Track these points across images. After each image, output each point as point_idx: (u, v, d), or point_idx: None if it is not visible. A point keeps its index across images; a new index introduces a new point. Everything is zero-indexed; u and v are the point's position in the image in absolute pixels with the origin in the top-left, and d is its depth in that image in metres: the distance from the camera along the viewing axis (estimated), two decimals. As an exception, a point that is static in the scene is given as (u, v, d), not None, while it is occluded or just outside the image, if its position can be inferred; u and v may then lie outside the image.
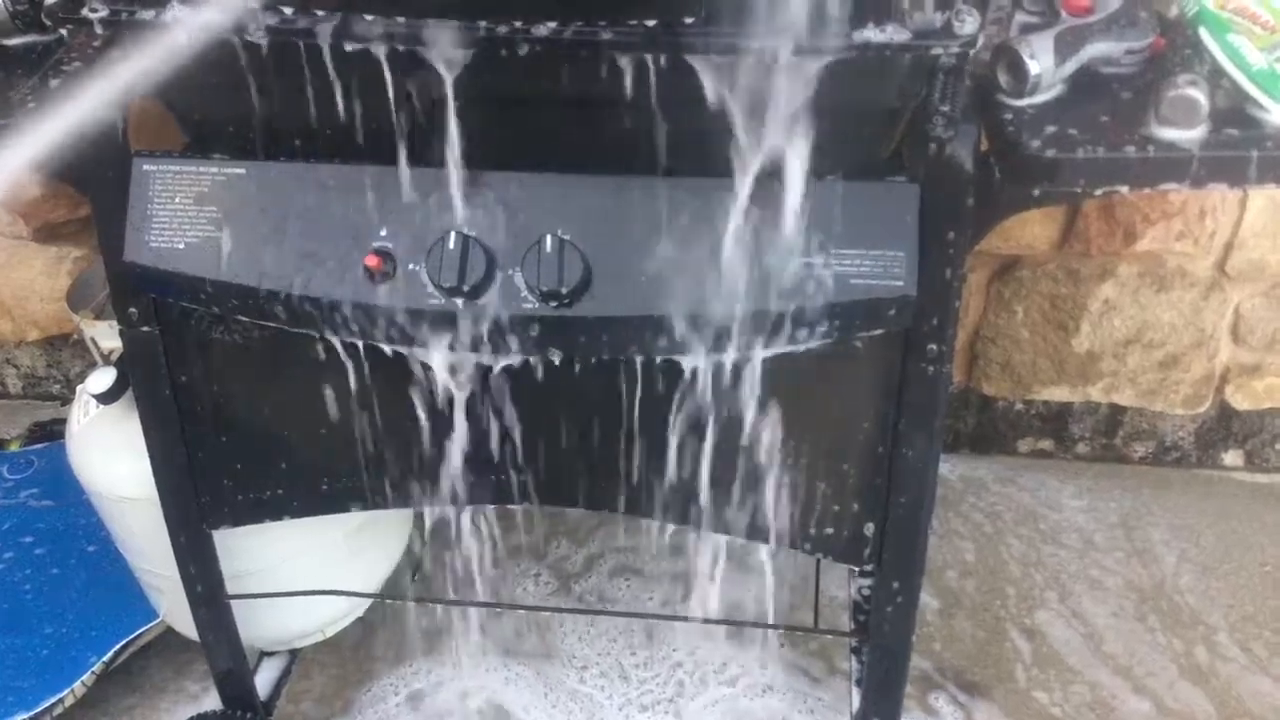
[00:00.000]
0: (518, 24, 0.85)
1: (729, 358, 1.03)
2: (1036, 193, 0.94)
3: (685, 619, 1.65)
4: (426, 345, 1.02)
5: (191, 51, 0.89)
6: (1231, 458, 1.94)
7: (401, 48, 0.87)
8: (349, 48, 0.88)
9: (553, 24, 0.85)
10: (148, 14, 0.89)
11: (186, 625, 1.38)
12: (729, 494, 1.15)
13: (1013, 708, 1.55)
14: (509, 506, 1.21)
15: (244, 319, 1.06)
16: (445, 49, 0.87)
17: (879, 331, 1.00)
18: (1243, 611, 1.68)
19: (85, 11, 0.90)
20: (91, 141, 0.99)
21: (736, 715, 1.55)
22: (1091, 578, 1.74)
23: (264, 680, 1.49)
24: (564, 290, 0.96)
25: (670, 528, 1.20)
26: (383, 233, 1.00)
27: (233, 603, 1.33)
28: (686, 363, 1.04)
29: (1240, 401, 1.87)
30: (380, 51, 0.88)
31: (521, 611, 1.67)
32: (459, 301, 0.98)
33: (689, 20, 0.84)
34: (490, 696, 1.58)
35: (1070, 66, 0.93)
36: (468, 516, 1.30)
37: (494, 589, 1.69)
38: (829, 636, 1.62)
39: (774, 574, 1.70)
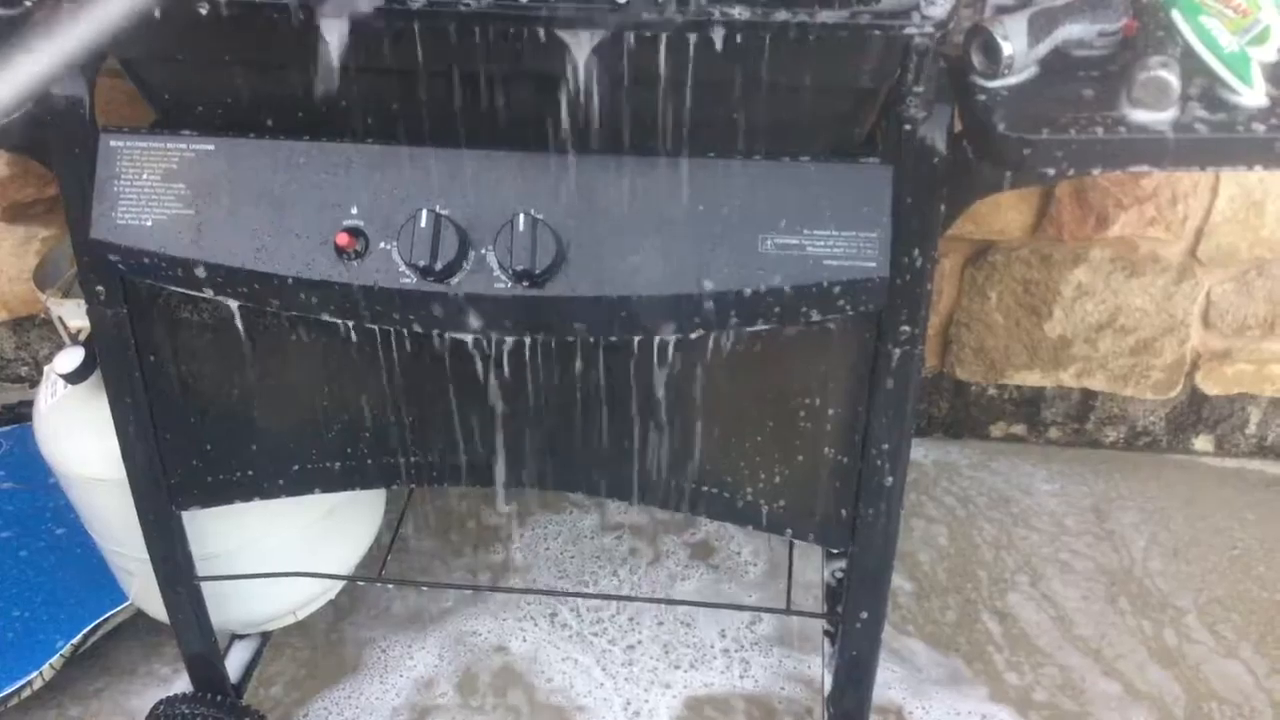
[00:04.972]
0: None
1: (701, 339, 1.03)
2: (1009, 174, 0.94)
3: (656, 600, 1.66)
4: (397, 324, 1.01)
5: (156, 21, 0.87)
6: (1202, 443, 1.96)
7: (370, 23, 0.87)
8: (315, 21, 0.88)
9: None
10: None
11: (156, 608, 1.37)
12: (700, 477, 1.15)
13: (984, 690, 1.56)
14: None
15: (213, 297, 1.05)
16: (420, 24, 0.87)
17: (851, 313, 1.00)
18: (1212, 595, 1.70)
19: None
20: (58, 117, 0.98)
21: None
22: (1062, 561, 1.75)
23: (235, 663, 1.49)
24: (536, 270, 0.96)
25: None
26: (354, 210, 0.99)
27: (203, 585, 1.32)
28: (658, 343, 1.04)
29: (1210, 387, 1.88)
30: (350, 27, 0.87)
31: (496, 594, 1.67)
32: (431, 280, 0.98)
33: (662, -3, 0.83)
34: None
35: (1044, 48, 0.93)
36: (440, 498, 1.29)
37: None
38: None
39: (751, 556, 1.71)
